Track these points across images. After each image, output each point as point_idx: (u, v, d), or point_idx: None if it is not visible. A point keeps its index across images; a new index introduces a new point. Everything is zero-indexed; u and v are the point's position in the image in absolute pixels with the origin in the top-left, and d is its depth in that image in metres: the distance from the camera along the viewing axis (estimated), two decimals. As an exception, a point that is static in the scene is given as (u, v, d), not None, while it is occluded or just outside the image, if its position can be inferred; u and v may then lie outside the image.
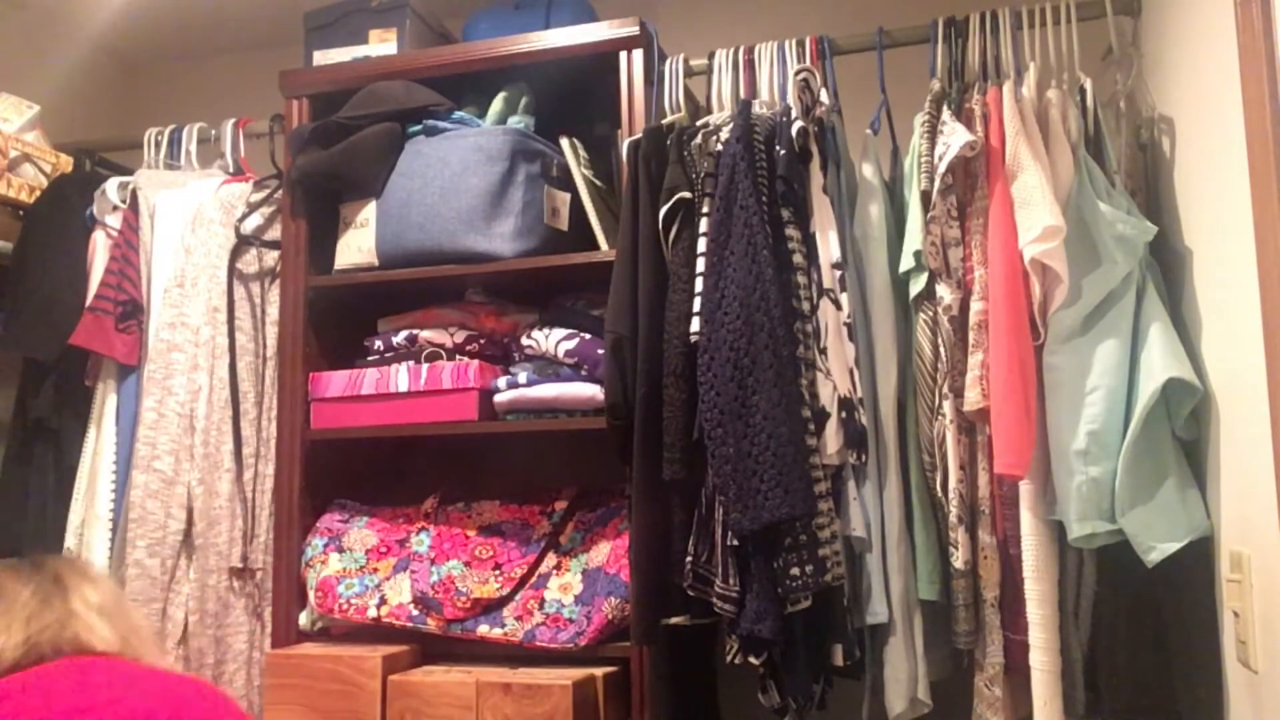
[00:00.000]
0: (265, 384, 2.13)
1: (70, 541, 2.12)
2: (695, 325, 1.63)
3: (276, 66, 2.20)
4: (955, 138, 1.63)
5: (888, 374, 1.70)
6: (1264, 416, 1.22)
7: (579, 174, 2.01)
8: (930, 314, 1.67)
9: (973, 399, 1.59)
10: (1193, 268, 1.59)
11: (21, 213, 2.30)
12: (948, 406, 1.62)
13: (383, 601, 1.94)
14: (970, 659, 1.66)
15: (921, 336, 1.67)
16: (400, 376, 2.01)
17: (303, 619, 2.03)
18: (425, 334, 2.04)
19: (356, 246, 2.07)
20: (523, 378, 1.96)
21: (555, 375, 1.94)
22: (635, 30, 1.93)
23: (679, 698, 1.78)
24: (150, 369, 2.11)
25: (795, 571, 1.54)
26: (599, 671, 1.78)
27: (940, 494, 1.63)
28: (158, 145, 2.36)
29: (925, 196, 1.66)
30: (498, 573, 1.94)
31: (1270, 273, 1.21)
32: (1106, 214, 1.58)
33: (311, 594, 1.99)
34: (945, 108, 1.72)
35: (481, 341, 2.04)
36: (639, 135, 1.82)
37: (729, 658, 1.63)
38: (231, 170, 2.32)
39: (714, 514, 1.62)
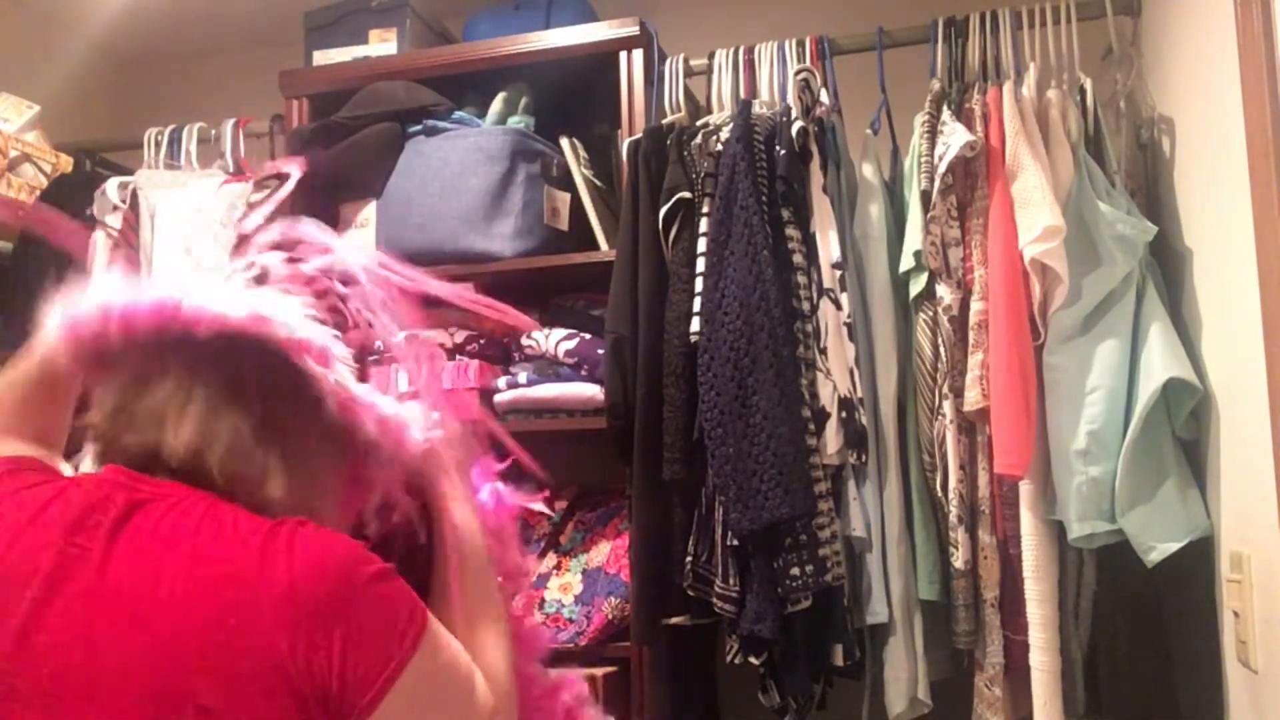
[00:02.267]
0: (265, 384, 2.12)
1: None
2: (695, 325, 1.63)
3: (276, 66, 2.20)
4: (955, 138, 1.63)
5: (888, 374, 1.70)
6: (1264, 416, 1.22)
7: (579, 174, 2.01)
8: (930, 314, 1.66)
9: (973, 399, 1.59)
10: (1193, 268, 1.59)
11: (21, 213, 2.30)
12: (948, 406, 1.62)
13: (383, 601, 1.94)
14: (970, 659, 1.66)
15: (921, 336, 1.67)
16: (400, 376, 2.01)
17: (303, 619, 2.03)
18: (425, 334, 2.03)
19: (356, 246, 2.07)
20: (523, 378, 1.95)
21: (555, 375, 1.94)
22: (635, 30, 1.93)
23: (679, 698, 1.78)
24: (150, 369, 2.11)
25: (795, 571, 1.54)
26: (599, 671, 1.78)
27: (940, 494, 1.63)
28: (158, 145, 2.35)
29: (925, 196, 1.66)
30: (498, 573, 1.93)
31: (1270, 273, 1.21)
32: (1106, 214, 1.58)
33: (311, 594, 1.99)
34: (945, 108, 1.72)
35: (481, 341, 2.03)
36: (639, 135, 1.82)
37: (729, 658, 1.63)
38: (231, 170, 2.31)
39: (714, 514, 1.62)
